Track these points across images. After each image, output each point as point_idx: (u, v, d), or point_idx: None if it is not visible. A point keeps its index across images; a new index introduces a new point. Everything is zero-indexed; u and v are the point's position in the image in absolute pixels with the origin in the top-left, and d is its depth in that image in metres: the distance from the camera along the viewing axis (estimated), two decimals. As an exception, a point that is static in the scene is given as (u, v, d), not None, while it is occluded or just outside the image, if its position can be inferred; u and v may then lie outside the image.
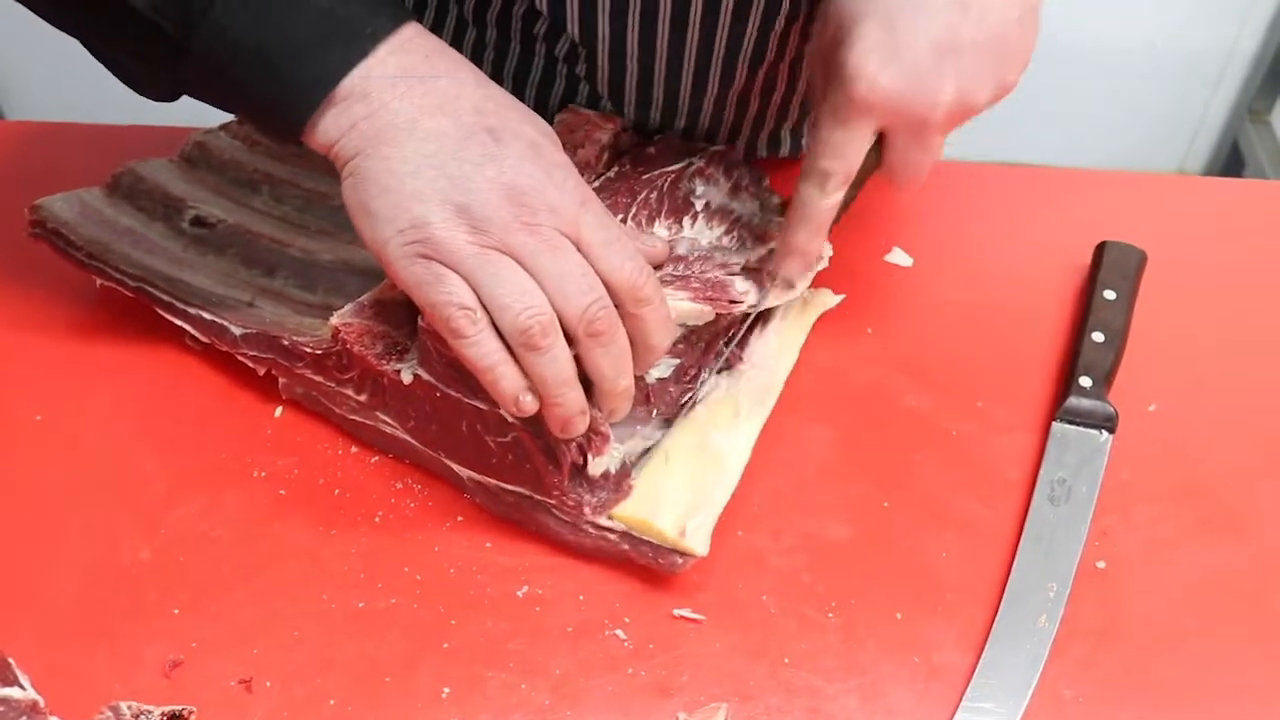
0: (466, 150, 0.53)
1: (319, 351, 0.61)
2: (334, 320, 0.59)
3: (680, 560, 0.57)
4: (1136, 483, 0.63)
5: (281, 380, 0.65)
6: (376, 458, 0.64)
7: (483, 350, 0.52)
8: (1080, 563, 0.58)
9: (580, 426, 0.54)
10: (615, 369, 0.54)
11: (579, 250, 0.53)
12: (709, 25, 0.68)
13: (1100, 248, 0.73)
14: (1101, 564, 0.59)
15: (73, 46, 0.59)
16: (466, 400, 0.56)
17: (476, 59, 0.69)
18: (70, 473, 0.63)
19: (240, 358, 0.65)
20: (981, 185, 0.83)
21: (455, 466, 0.60)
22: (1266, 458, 0.65)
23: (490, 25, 0.74)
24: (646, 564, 0.57)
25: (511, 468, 0.57)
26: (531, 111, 0.56)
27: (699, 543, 0.56)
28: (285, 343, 0.62)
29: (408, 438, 0.61)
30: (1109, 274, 0.71)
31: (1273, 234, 0.81)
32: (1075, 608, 0.57)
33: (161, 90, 0.58)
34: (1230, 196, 0.86)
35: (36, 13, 0.57)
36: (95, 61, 0.58)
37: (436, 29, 0.54)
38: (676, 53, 0.70)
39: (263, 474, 0.63)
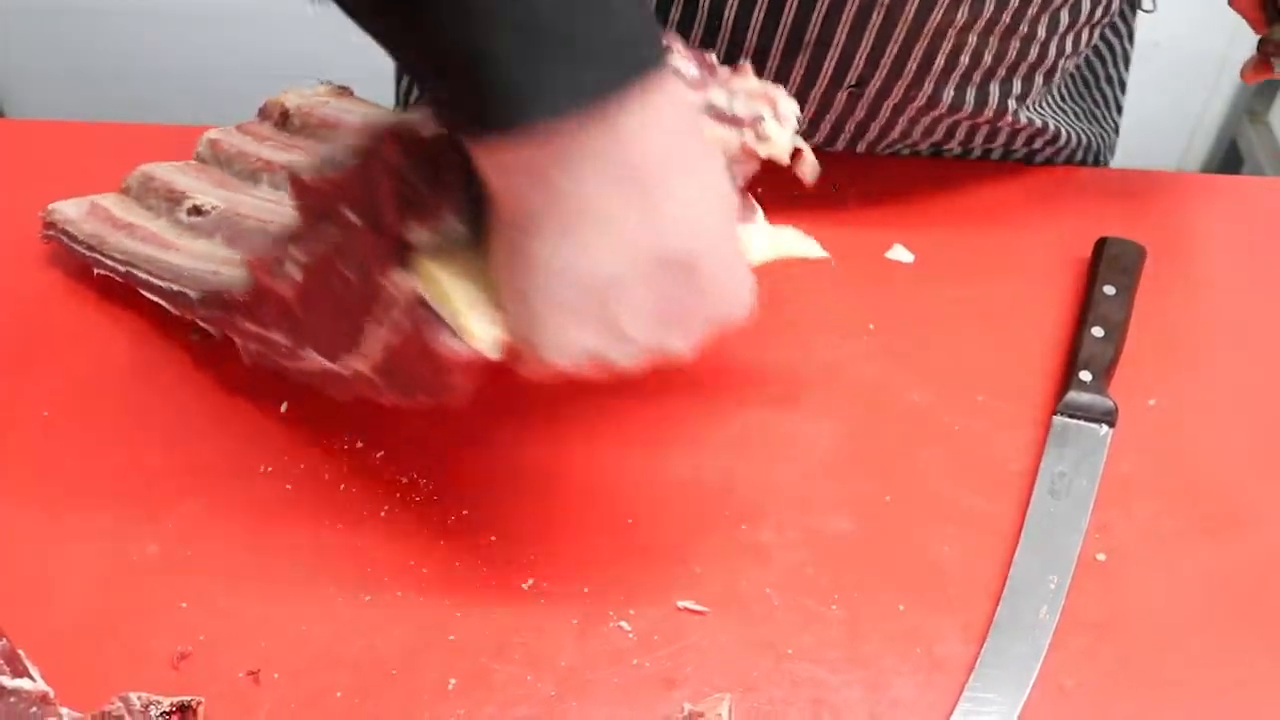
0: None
1: (246, 298, 0.60)
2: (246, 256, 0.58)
3: (457, 345, 0.50)
4: (1136, 476, 0.64)
5: (239, 342, 0.65)
6: (381, 452, 0.64)
7: None
8: (1081, 555, 0.59)
9: None
10: None
11: None
12: None
13: (1100, 243, 0.74)
14: (1101, 556, 0.60)
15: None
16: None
17: None
18: (78, 468, 0.63)
19: (200, 323, 0.65)
20: (982, 182, 0.83)
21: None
22: (1265, 451, 0.65)
23: None
24: (429, 344, 0.50)
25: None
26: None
27: (484, 333, 0.49)
28: (226, 297, 0.62)
29: (323, 360, 0.58)
30: (1109, 269, 0.71)
31: (1272, 230, 0.81)
32: (1076, 600, 0.57)
33: None
34: (1230, 193, 0.86)
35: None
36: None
37: None
38: None
39: (269, 469, 0.63)
